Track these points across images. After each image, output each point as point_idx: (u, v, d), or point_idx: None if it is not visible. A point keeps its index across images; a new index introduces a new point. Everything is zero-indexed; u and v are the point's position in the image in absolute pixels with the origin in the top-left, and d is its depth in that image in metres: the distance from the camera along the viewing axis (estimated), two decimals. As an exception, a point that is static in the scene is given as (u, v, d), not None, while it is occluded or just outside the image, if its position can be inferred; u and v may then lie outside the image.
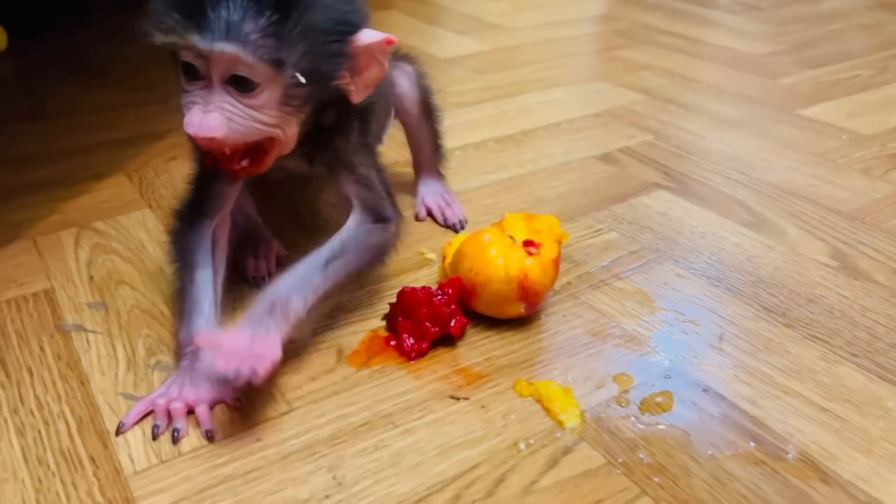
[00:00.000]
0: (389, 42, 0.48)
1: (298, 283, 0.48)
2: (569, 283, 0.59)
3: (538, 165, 0.79)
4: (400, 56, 0.67)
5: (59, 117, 0.91)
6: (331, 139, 0.53)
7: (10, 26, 1.17)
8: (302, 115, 0.48)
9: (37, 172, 0.77)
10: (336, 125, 0.52)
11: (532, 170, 0.79)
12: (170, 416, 0.45)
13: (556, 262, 0.53)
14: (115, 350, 0.52)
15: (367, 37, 0.47)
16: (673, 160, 0.81)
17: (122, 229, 0.67)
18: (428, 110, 0.69)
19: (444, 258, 0.58)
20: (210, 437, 0.44)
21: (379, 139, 0.66)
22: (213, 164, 0.47)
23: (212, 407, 0.46)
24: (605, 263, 0.62)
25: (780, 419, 0.46)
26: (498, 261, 0.51)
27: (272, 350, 0.43)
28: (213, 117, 0.43)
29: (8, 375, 0.49)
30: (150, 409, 0.46)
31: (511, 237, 0.53)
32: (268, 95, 0.44)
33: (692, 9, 1.48)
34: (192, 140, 0.45)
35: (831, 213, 0.70)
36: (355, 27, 0.47)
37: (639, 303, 0.57)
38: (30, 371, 0.50)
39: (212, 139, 0.43)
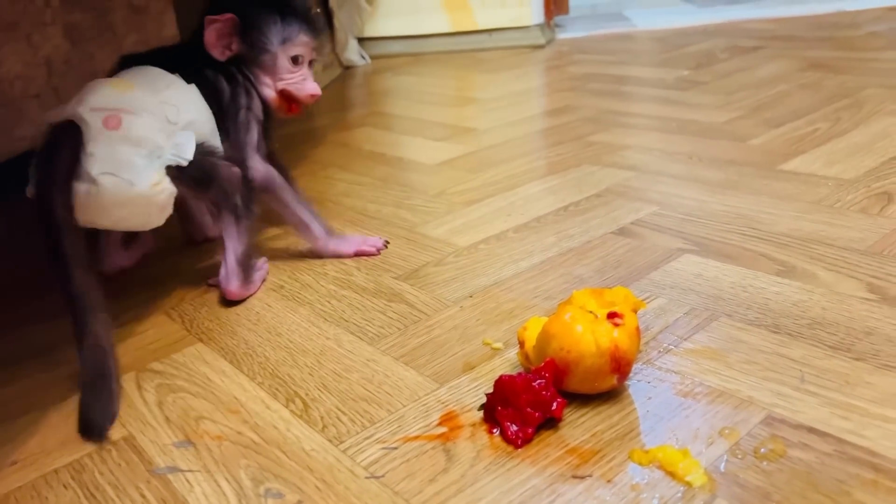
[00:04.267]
0: None
1: None
2: (639, 351, 0.61)
3: (563, 247, 0.83)
4: None
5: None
6: None
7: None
8: None
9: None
10: None
11: (559, 252, 0.82)
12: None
13: (638, 331, 0.55)
14: (219, 485, 0.51)
15: None
16: (686, 225, 0.85)
17: (180, 367, 0.66)
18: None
19: (521, 343, 0.59)
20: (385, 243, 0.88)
21: None
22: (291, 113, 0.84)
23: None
24: (665, 328, 0.64)
25: (891, 445, 0.48)
26: (587, 336, 0.53)
27: None
28: (316, 84, 0.83)
29: (118, 528, 0.48)
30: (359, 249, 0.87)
31: (591, 312, 0.55)
32: None
33: (643, 91, 1.59)
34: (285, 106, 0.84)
35: (851, 253, 0.74)
36: None
37: (712, 359, 0.59)
38: (139, 520, 0.48)
39: (319, 96, 0.83)
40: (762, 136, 1.16)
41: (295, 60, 0.81)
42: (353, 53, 2.22)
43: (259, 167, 0.80)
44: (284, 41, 0.80)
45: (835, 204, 0.87)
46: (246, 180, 0.77)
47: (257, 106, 0.81)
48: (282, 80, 0.81)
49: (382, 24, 2.30)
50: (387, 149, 1.33)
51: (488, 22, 2.25)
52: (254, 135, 0.80)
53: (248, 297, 0.78)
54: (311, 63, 0.84)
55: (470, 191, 1.05)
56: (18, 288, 0.87)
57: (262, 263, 0.83)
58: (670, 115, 1.34)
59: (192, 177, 0.71)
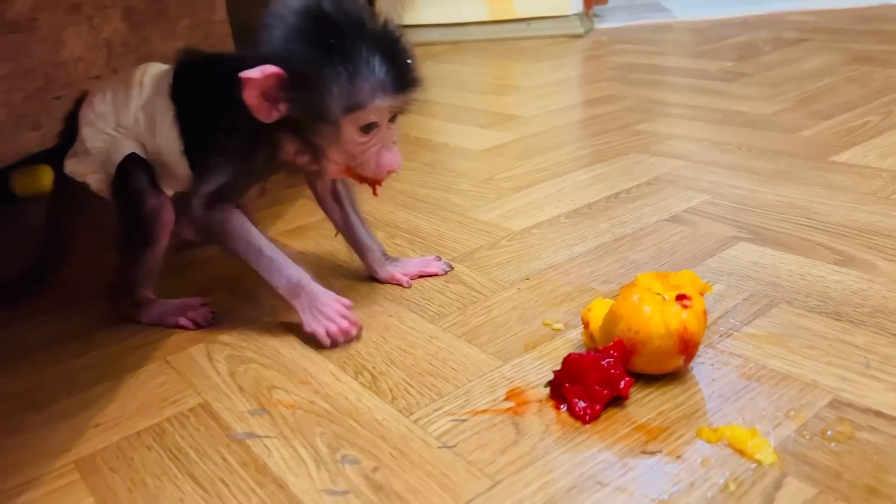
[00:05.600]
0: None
1: None
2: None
3: (616, 234, 0.83)
4: None
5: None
6: None
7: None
8: None
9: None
10: None
11: (612, 238, 0.82)
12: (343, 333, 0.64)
13: (705, 313, 0.56)
14: (296, 451, 0.52)
15: None
16: (740, 214, 0.85)
17: (248, 339, 0.68)
18: None
19: (585, 324, 0.60)
20: (359, 329, 0.66)
21: None
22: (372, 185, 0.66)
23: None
24: (725, 313, 0.65)
25: (960, 431, 0.48)
26: (656, 317, 0.54)
27: None
28: (398, 152, 0.63)
29: (204, 489, 0.50)
30: (327, 336, 0.64)
31: (659, 294, 0.56)
32: None
33: (686, 81, 1.58)
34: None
35: (909, 244, 0.74)
36: None
37: (774, 344, 0.60)
38: (223, 481, 0.50)
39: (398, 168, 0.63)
40: (812, 128, 1.16)
41: (366, 129, 0.61)
42: (391, 41, 2.23)
43: (201, 213, 0.65)
44: (350, 109, 0.59)
45: (891, 195, 0.87)
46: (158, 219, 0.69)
47: (264, 165, 0.66)
48: (348, 155, 0.62)
49: (423, 12, 2.31)
50: (432, 135, 1.34)
51: (527, 11, 2.25)
52: (215, 186, 0.64)
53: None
54: (393, 118, 0.63)
55: (518, 177, 1.06)
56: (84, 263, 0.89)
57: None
58: (716, 106, 1.34)
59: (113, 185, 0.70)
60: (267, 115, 0.60)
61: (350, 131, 0.60)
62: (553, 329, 0.65)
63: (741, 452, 0.48)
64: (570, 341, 0.63)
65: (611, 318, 0.56)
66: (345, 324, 0.65)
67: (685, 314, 0.54)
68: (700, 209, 0.88)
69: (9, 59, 0.91)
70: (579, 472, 0.48)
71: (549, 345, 0.63)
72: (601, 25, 2.37)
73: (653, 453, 0.49)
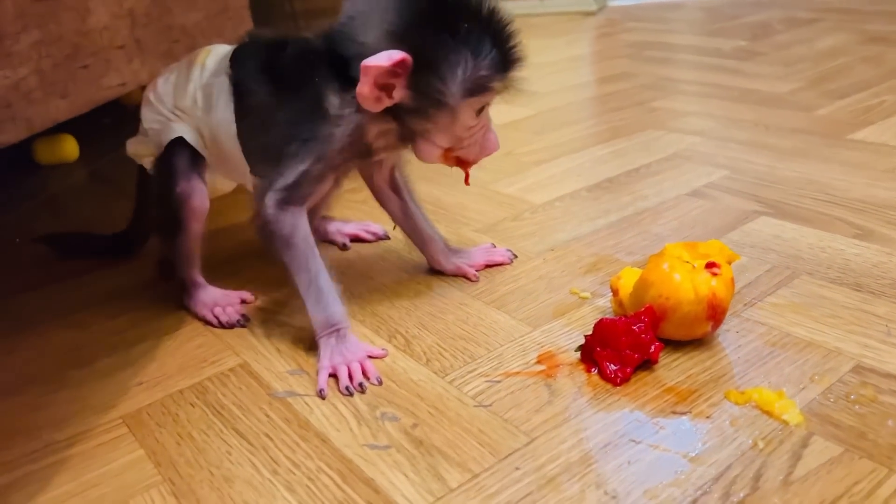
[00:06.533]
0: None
1: None
2: (725, 303, 0.63)
3: (638, 207, 0.85)
4: None
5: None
6: None
7: (79, 136, 1.22)
8: None
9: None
10: None
11: (634, 211, 0.84)
12: (350, 375, 0.57)
13: (733, 281, 0.57)
14: (337, 409, 0.54)
15: None
16: (759, 189, 0.87)
17: (282, 304, 0.70)
18: None
19: (614, 292, 0.62)
20: (379, 382, 0.57)
21: None
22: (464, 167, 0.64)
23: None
24: (748, 284, 0.67)
25: (980, 395, 0.50)
26: (686, 284, 0.55)
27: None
28: (495, 135, 0.62)
29: (250, 443, 0.52)
30: (333, 372, 0.57)
31: (688, 262, 0.57)
32: None
33: (701, 59, 1.58)
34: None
35: (926, 219, 0.76)
36: None
37: (797, 313, 0.62)
38: (268, 436, 0.52)
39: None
40: (827, 106, 1.17)
41: (479, 111, 0.59)
42: (403, 16, 2.22)
43: (272, 212, 0.60)
44: (471, 92, 0.57)
45: (907, 173, 0.88)
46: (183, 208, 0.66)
47: (343, 152, 0.60)
48: (455, 138, 0.60)
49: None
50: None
51: (540, -13, 2.25)
52: (294, 176, 0.60)
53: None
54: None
55: (537, 151, 1.07)
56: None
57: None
58: (731, 84, 1.35)
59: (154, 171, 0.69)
60: (376, 103, 0.56)
61: (467, 115, 0.58)
62: (580, 297, 0.67)
63: (768, 413, 0.50)
64: (598, 308, 0.65)
65: (641, 286, 0.58)
66: (357, 374, 0.57)
67: (714, 281, 0.55)
68: (719, 184, 0.90)
69: (38, 26, 0.91)
70: (613, 430, 0.50)
71: (577, 312, 0.65)
72: (614, 3, 2.36)
73: (683, 413, 0.51)
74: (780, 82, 1.33)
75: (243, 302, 0.71)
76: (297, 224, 0.60)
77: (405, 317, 0.66)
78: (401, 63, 0.53)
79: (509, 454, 0.48)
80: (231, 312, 0.68)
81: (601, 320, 0.56)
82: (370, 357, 0.60)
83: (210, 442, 0.52)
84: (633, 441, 0.49)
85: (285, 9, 1.92)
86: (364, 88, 0.54)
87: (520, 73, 0.60)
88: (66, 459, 0.52)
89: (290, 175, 0.59)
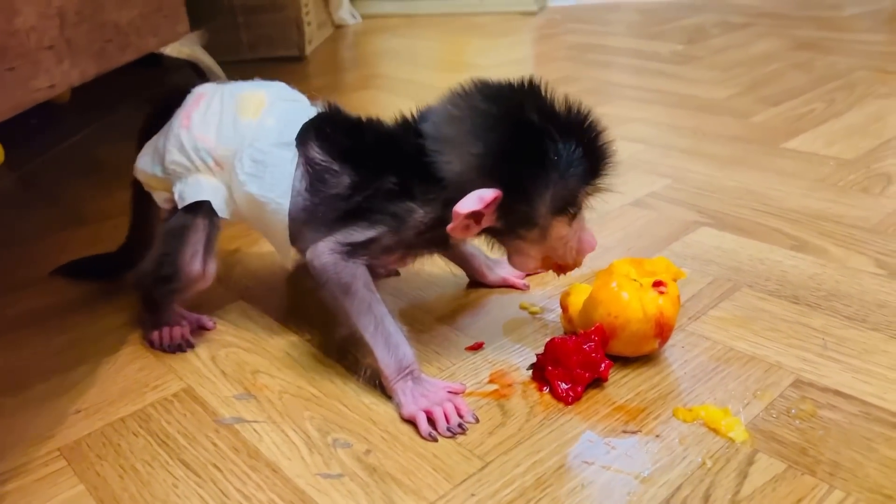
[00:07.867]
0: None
1: None
2: (670, 317, 0.65)
3: (583, 217, 0.86)
4: None
5: (100, 221, 0.92)
6: None
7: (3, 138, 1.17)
8: None
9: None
10: None
11: (580, 222, 0.85)
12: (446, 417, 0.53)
13: (679, 299, 0.59)
14: (287, 435, 0.53)
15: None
16: (700, 199, 0.89)
17: (228, 323, 0.68)
18: None
19: (564, 308, 0.62)
20: (476, 419, 0.54)
21: None
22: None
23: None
24: (692, 297, 0.68)
25: (911, 408, 0.53)
26: (634, 303, 0.56)
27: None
28: (591, 231, 0.59)
29: (197, 474, 0.50)
30: (428, 415, 0.54)
31: (635, 280, 0.58)
32: None
33: (640, 63, 1.61)
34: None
35: (857, 230, 0.79)
36: None
37: (739, 326, 0.63)
38: (216, 466, 0.51)
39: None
40: (762, 113, 1.20)
41: (571, 220, 0.57)
42: (344, 13, 2.20)
43: (329, 259, 0.57)
44: (561, 210, 0.56)
45: (838, 183, 0.91)
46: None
47: (420, 236, 0.58)
48: (549, 248, 0.58)
49: (376, -17, 2.28)
50: (384, 112, 1.33)
51: (481, -14, 2.25)
52: (361, 238, 0.57)
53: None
54: None
55: (484, 158, 1.07)
56: (55, 243, 0.87)
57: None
58: (670, 90, 1.37)
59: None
60: (464, 232, 0.55)
61: (559, 228, 0.57)
62: (531, 312, 0.67)
63: (715, 431, 0.51)
64: (547, 325, 0.65)
65: (590, 304, 0.58)
66: (453, 415, 0.54)
67: (661, 300, 0.56)
68: (662, 194, 0.91)
69: (-40, 28, 0.85)
70: (565, 451, 0.50)
71: (528, 327, 0.65)
72: (553, 3, 2.39)
73: (633, 433, 0.52)
74: (717, 88, 1.37)
75: (200, 328, 0.68)
76: (358, 271, 0.57)
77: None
78: (493, 203, 0.53)
79: (464, 480, 0.48)
80: (176, 335, 0.65)
81: (552, 340, 0.57)
82: (450, 392, 0.56)
83: (155, 474, 0.50)
84: (586, 462, 0.49)
85: (223, 3, 1.87)
86: (455, 231, 0.54)
87: (611, 177, 0.58)
88: (1, 497, 0.49)
89: (356, 235, 0.57)
